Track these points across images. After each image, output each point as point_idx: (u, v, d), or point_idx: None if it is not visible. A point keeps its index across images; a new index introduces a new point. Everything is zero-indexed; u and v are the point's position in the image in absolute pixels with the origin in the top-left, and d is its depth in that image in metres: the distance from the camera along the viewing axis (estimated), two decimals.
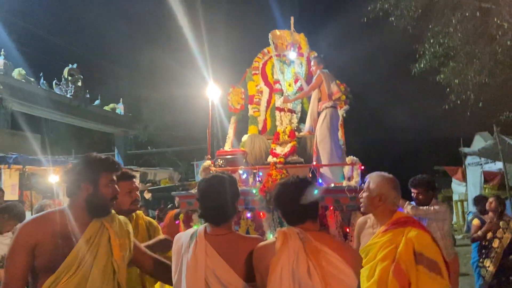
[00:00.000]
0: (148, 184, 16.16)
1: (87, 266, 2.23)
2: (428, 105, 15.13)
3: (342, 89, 5.83)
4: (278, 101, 6.50)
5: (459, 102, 13.20)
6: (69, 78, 16.16)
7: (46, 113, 15.61)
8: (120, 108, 18.47)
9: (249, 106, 6.66)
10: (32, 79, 15.10)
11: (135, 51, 19.59)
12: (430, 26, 12.86)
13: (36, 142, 14.14)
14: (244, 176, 5.29)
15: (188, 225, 4.57)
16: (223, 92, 6.18)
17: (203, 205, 2.41)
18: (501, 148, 9.96)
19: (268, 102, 6.71)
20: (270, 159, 5.79)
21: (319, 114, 5.90)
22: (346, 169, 5.29)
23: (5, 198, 7.13)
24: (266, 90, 6.72)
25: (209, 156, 5.37)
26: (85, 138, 20.16)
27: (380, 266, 2.63)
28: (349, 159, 4.99)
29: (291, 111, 6.45)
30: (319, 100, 6.00)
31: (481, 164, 14.11)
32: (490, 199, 5.84)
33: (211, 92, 5.69)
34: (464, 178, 13.88)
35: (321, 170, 5.43)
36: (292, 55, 6.55)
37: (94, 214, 2.38)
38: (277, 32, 6.78)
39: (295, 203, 2.27)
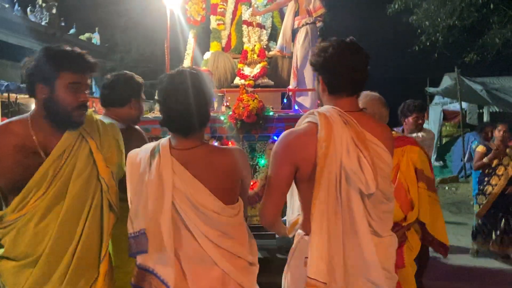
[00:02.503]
0: None
1: (61, 184, 1.73)
2: (399, 45, 14.48)
3: None
4: (246, 14, 5.32)
5: (428, 43, 12.97)
6: (43, 4, 14.57)
7: (22, 40, 14.17)
8: (96, 38, 16.98)
9: (211, 18, 5.45)
10: (7, 5, 13.51)
11: None
12: None
13: (17, 70, 12.94)
14: None
15: None
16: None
17: (167, 109, 1.68)
18: (460, 89, 10.06)
19: (234, 14, 5.47)
20: (238, 81, 4.95)
21: (293, 31, 4.89)
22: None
23: None
24: (231, 0, 5.50)
25: None
26: None
27: None
28: None
29: (261, 26, 5.28)
30: (296, 14, 4.90)
31: (447, 104, 13.82)
32: (499, 126, 5.17)
33: None
34: (428, 116, 13.52)
35: (297, 96, 4.59)
36: None
37: (56, 125, 1.79)
38: None
39: (344, 68, 1.67)
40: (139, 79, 2.58)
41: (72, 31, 16.28)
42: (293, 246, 1.79)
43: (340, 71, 1.68)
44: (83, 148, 1.81)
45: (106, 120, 2.14)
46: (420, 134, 3.98)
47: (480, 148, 5.22)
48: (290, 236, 1.86)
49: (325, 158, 1.58)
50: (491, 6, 11.63)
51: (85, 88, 1.80)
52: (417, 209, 2.47)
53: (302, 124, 1.73)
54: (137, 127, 2.59)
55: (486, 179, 5.11)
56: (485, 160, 5.08)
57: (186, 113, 1.65)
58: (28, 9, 14.40)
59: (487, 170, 5.13)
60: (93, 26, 17.34)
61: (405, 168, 2.51)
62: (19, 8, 13.98)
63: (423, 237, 2.61)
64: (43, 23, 14.54)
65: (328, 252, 1.58)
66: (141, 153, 1.75)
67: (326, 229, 1.59)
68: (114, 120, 2.36)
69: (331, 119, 1.62)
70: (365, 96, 2.53)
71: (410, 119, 3.99)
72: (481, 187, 5.16)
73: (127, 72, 2.58)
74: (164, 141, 1.74)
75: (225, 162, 1.71)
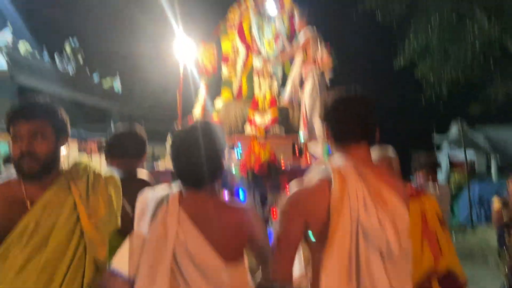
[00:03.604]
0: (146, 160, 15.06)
1: (41, 237, 1.62)
2: (406, 94, 14.51)
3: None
4: (257, 63, 5.17)
5: (433, 96, 13.02)
6: (70, 53, 15.07)
7: (50, 87, 14.60)
8: (117, 83, 17.41)
9: (223, 67, 5.33)
10: (36, 51, 13.98)
11: (127, 24, 18.26)
12: (412, 25, 12.70)
13: None
14: None
15: None
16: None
17: (178, 162, 1.61)
18: (464, 139, 10.09)
19: (245, 63, 5.33)
20: (248, 129, 4.74)
21: (301, 80, 4.75)
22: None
23: None
24: (242, 50, 5.34)
25: (179, 125, 4.23)
26: (80, 111, 18.85)
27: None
28: None
29: (271, 75, 5.15)
30: (304, 64, 4.76)
31: (455, 151, 13.61)
32: (510, 179, 4.65)
33: (181, 48, 4.56)
34: None
35: (309, 145, 4.40)
36: (270, 6, 5.14)
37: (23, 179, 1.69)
38: None
39: (346, 116, 1.58)
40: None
41: (95, 76, 16.71)
42: None
43: (342, 119, 1.60)
44: (68, 200, 1.68)
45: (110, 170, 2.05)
46: (437, 190, 3.63)
47: (496, 204, 4.71)
48: None
49: (339, 214, 1.42)
50: (491, 62, 11.65)
51: (27, 137, 1.63)
52: (447, 256, 2.44)
53: (313, 179, 1.58)
54: (147, 179, 2.41)
55: (506, 235, 4.60)
56: (505, 218, 4.57)
57: (198, 169, 1.56)
58: (55, 56, 14.84)
59: (505, 229, 4.61)
60: (114, 72, 17.82)
61: (430, 216, 2.47)
62: (47, 55, 14.44)
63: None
64: (69, 71, 14.97)
65: None
66: (152, 196, 1.65)
67: None
68: (124, 172, 2.27)
69: (344, 173, 1.49)
70: (391, 150, 2.50)
71: (421, 174, 3.76)
72: (501, 243, 4.68)
73: (135, 126, 2.57)
74: (175, 188, 1.64)
75: (233, 220, 1.59)
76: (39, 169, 1.66)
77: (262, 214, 3.51)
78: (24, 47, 13.39)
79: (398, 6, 12.53)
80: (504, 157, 12.10)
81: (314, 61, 4.59)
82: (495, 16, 11.10)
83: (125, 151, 2.39)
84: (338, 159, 1.59)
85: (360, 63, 17.05)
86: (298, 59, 4.82)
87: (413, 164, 3.82)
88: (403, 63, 12.71)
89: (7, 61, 12.61)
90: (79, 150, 10.72)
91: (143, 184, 2.32)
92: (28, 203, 1.66)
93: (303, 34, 4.74)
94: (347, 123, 1.59)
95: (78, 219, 1.68)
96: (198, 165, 1.56)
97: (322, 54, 4.56)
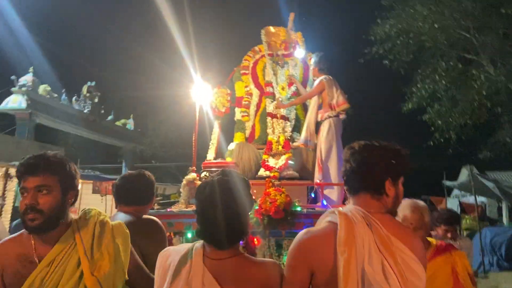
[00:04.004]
0: (158, 198, 14.94)
1: None
2: (415, 139, 14.43)
3: None
4: (270, 106, 5.18)
5: (442, 140, 12.92)
6: (87, 94, 15.51)
7: (66, 126, 14.98)
8: (130, 124, 17.74)
9: (236, 110, 5.36)
10: (56, 95, 14.41)
11: (143, 69, 18.89)
12: (419, 71, 12.93)
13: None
14: None
15: None
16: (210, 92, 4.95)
17: (204, 222, 1.55)
18: (473, 185, 9.95)
19: (258, 106, 5.36)
20: (262, 172, 4.68)
21: (317, 124, 4.74)
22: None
23: None
24: (256, 93, 5.39)
25: (194, 168, 4.16)
26: (93, 150, 18.99)
27: None
28: None
29: (285, 118, 5.13)
30: (319, 108, 4.76)
31: (466, 196, 13.34)
32: None
33: (198, 93, 4.57)
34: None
35: (325, 189, 4.30)
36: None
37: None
38: (271, 29, 5.47)
39: (350, 166, 1.60)
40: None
41: (110, 117, 17.02)
42: None
43: (348, 170, 1.62)
44: (72, 256, 1.66)
45: (120, 217, 2.14)
46: (457, 243, 3.52)
47: None
48: None
49: (349, 265, 1.36)
50: (500, 109, 11.67)
51: (32, 191, 1.62)
52: None
53: (321, 223, 1.57)
54: (154, 218, 2.40)
55: None
56: None
57: (225, 228, 1.51)
58: (74, 99, 15.28)
59: None
60: (128, 113, 18.21)
61: (462, 273, 2.41)
62: (66, 97, 14.86)
63: None
64: (85, 111, 15.34)
65: None
66: (172, 255, 1.58)
67: None
68: (132, 216, 2.26)
69: (352, 220, 1.45)
70: (424, 206, 2.44)
71: (439, 230, 3.61)
72: None
73: (144, 171, 2.54)
74: (198, 246, 1.57)
75: (258, 278, 1.52)
76: (43, 224, 1.62)
77: (278, 259, 3.39)
78: (43, 88, 13.83)
79: (404, 53, 12.82)
80: None
81: (330, 105, 4.60)
82: (501, 62, 11.23)
83: (132, 198, 2.37)
84: (349, 206, 1.58)
85: (369, 108, 17.18)
86: (313, 103, 4.82)
87: (432, 220, 3.69)
88: (411, 107, 12.75)
89: (26, 100, 12.95)
90: (93, 190, 10.64)
91: (151, 221, 2.32)
92: (37, 260, 1.64)
93: (318, 80, 4.77)
94: (352, 174, 1.60)
95: (82, 275, 1.65)
96: (223, 230, 1.51)
97: (337, 99, 4.57)
